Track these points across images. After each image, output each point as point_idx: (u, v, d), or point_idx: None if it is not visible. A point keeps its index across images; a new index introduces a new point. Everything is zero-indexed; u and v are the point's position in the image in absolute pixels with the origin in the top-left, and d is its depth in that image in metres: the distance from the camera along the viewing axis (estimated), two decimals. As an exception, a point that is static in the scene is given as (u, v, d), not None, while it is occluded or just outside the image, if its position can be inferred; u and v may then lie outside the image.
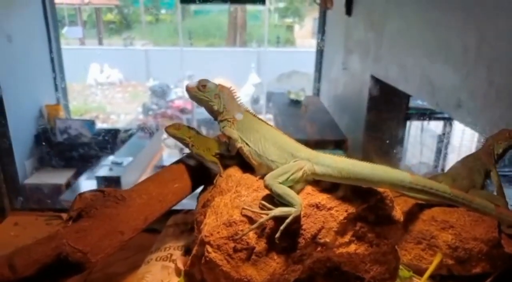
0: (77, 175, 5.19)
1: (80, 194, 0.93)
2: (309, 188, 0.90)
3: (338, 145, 4.59)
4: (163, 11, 10.57)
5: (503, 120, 2.20)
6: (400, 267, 1.06)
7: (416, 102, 4.24)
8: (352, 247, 0.89)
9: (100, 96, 8.23)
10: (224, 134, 1.04)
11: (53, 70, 5.45)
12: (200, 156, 1.06)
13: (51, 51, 5.35)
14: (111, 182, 4.64)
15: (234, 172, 1.02)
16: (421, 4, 3.01)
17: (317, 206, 0.87)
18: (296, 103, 5.61)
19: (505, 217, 0.88)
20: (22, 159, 5.00)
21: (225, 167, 1.05)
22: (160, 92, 7.12)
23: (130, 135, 5.75)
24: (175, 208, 1.24)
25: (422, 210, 1.07)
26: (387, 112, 4.12)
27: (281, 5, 10.12)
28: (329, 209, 0.87)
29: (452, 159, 4.77)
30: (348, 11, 4.59)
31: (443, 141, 4.78)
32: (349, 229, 0.89)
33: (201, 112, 7.57)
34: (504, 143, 1.15)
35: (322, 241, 0.86)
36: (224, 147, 1.05)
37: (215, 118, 1.06)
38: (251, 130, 1.00)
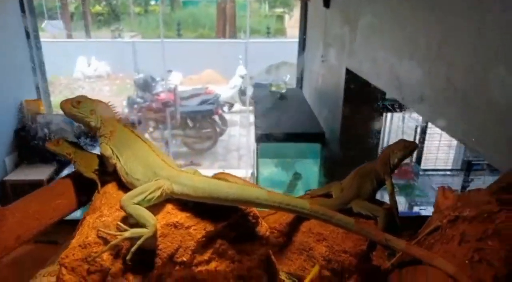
0: (58, 171, 5.20)
1: (-52, 214, 0.92)
2: (169, 207, 0.90)
3: (315, 138, 4.57)
4: (152, 2, 10.48)
5: (460, 115, 2.19)
6: (285, 277, 1.06)
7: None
8: (213, 265, 0.89)
9: (88, 89, 8.22)
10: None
11: (33, 64, 5.41)
12: (81, 172, 1.05)
13: (30, 46, 5.32)
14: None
15: (111, 188, 1.01)
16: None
17: (175, 225, 0.86)
18: (277, 95, 5.58)
19: (364, 232, 0.88)
20: (2, 155, 5.02)
21: (105, 183, 1.04)
22: (144, 86, 7.08)
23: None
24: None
25: (301, 221, 1.07)
26: (363, 105, 4.09)
27: (270, -6, 10.04)
28: (187, 227, 0.87)
29: (430, 148, 4.78)
30: (326, 3, 4.53)
31: (422, 131, 4.78)
32: (209, 247, 0.89)
33: (187, 105, 7.52)
34: (400, 153, 1.15)
35: (179, 260, 0.86)
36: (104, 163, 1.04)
37: (94, 135, 1.04)
38: (125, 147, 0.99)
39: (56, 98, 7.99)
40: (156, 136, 7.39)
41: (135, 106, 7.05)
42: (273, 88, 5.61)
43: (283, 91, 5.64)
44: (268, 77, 9.01)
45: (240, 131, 8.13)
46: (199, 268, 0.87)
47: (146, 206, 0.86)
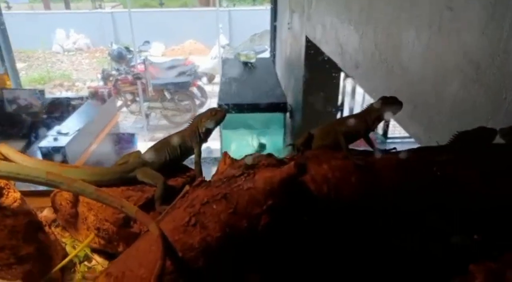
0: (27, 146, 5.19)
1: None
2: None
3: (278, 108, 4.48)
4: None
5: (382, 80, 2.11)
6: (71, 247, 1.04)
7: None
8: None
9: (67, 63, 8.13)
10: None
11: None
12: None
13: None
14: (55, 152, 4.60)
15: None
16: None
17: None
18: (246, 65, 5.44)
19: (102, 200, 0.85)
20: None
21: None
22: (119, 58, 6.96)
23: (82, 103, 5.64)
24: None
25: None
26: (324, 72, 3.96)
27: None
28: None
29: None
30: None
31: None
32: None
33: (164, 77, 7.40)
34: (207, 121, 1.07)
35: None
36: None
37: None
38: None
39: (34, 73, 7.94)
40: (134, 109, 7.35)
41: (110, 79, 6.96)
42: (242, 58, 5.45)
43: (253, 60, 5.48)
44: (251, 46, 8.78)
45: (222, 102, 8.02)
46: None
47: None
